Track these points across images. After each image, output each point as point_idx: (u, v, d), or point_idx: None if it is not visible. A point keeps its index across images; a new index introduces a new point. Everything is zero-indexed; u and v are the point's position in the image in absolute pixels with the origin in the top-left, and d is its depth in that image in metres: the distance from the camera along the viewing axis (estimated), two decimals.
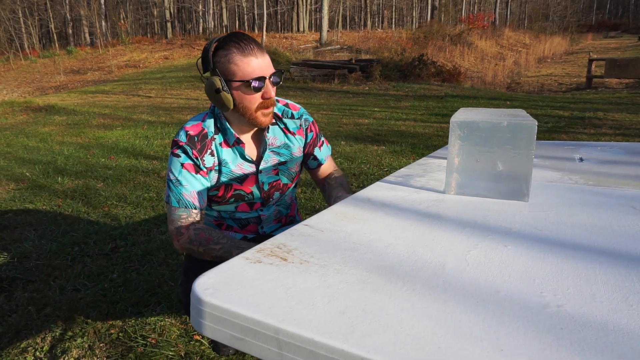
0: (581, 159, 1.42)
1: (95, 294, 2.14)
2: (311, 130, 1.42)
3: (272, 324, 0.48)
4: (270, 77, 1.19)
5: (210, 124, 1.28)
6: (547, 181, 1.15)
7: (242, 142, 1.28)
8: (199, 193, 1.24)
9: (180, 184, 1.23)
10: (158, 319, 1.92)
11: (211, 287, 0.56)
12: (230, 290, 0.55)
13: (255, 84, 1.16)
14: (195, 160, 1.24)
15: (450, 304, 0.54)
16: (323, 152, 1.47)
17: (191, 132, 1.25)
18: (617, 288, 0.58)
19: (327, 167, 1.50)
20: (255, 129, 1.31)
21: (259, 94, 1.18)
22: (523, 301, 0.55)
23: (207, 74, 1.20)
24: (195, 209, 1.23)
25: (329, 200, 1.40)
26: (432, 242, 0.74)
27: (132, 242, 2.74)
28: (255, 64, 1.16)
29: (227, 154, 1.28)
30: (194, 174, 1.24)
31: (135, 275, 2.32)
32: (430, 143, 5.25)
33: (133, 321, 1.92)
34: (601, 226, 0.82)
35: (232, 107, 1.20)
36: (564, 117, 6.77)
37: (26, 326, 1.91)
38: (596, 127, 5.94)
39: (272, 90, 1.20)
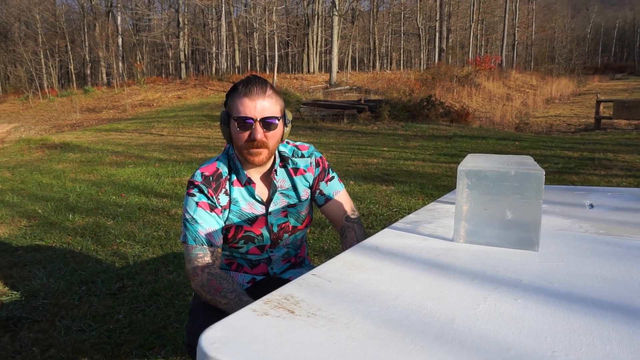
0: (591, 206, 1.41)
1: (100, 335, 2.12)
2: (319, 165, 1.43)
3: None
4: (260, 119, 1.22)
5: (223, 164, 1.34)
6: (558, 229, 1.14)
7: (254, 182, 1.32)
8: (215, 231, 1.28)
9: (196, 222, 1.26)
10: None
11: (217, 341, 0.55)
12: (236, 345, 0.55)
13: (240, 122, 1.22)
14: (211, 198, 1.28)
15: None
16: (331, 187, 1.44)
17: (206, 173, 1.30)
18: (632, 348, 0.57)
19: (340, 206, 1.44)
20: (265, 170, 1.35)
21: (246, 133, 1.23)
22: None
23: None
24: (211, 246, 1.26)
25: (344, 248, 1.39)
26: (440, 294, 0.73)
27: (139, 281, 2.73)
28: (247, 105, 1.21)
29: (238, 192, 1.33)
30: (209, 212, 1.27)
31: (141, 317, 2.30)
32: (439, 183, 5.25)
33: None
34: (614, 279, 0.80)
35: (229, 140, 1.29)
36: (574, 157, 6.76)
37: None
38: (606, 168, 5.91)
39: (259, 132, 1.21)
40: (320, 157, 1.45)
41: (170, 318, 2.27)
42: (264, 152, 1.26)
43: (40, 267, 3.03)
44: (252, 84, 1.23)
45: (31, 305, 2.46)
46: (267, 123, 1.23)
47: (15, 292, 2.64)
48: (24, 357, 1.97)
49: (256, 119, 1.22)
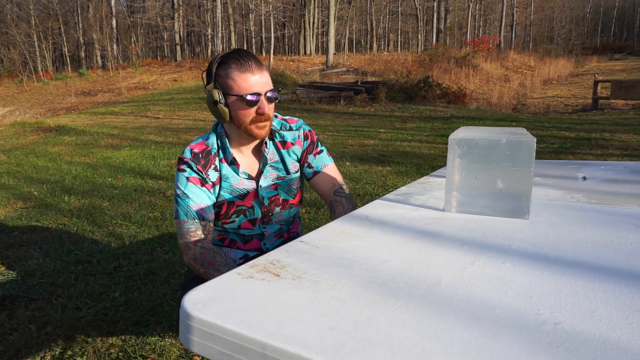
0: (584, 178, 1.40)
1: (97, 313, 2.13)
2: (307, 137, 1.42)
3: (260, 340, 0.47)
4: (265, 94, 1.23)
5: (213, 141, 1.33)
6: (549, 199, 1.14)
7: (237, 163, 1.32)
8: (206, 205, 1.28)
9: (187, 196, 1.26)
10: (158, 339, 1.90)
11: (200, 302, 0.55)
12: (219, 305, 0.54)
13: (249, 99, 1.20)
14: (200, 173, 1.28)
15: (444, 321, 0.53)
16: (319, 160, 1.42)
17: (195, 150, 1.30)
18: (617, 306, 0.57)
19: (328, 179, 1.42)
20: (255, 143, 1.34)
21: (253, 109, 1.23)
22: (519, 318, 0.54)
23: (211, 86, 1.26)
24: (203, 220, 1.26)
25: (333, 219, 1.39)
26: (428, 259, 0.73)
27: (135, 261, 2.74)
28: (252, 80, 1.20)
29: (227, 169, 1.33)
30: (199, 186, 1.28)
31: (137, 295, 2.30)
32: (435, 164, 5.25)
33: (133, 341, 1.90)
34: (602, 244, 0.80)
35: (228, 119, 1.26)
36: (571, 138, 6.75)
37: (26, 345, 1.90)
38: (603, 147, 5.91)
39: (266, 106, 1.23)
40: (309, 131, 1.44)
41: (166, 296, 2.28)
42: (269, 125, 1.28)
43: (37, 248, 3.02)
44: (246, 58, 1.21)
45: (28, 284, 2.47)
46: (270, 96, 1.24)
47: (12, 272, 2.65)
48: (21, 334, 1.98)
49: (262, 94, 1.22)
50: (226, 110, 1.23)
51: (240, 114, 1.23)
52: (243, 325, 0.50)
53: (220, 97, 1.23)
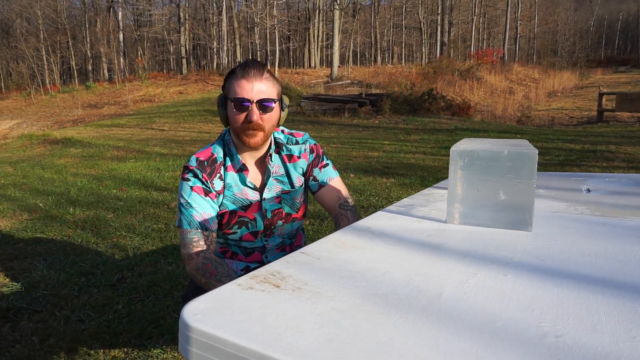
0: (588, 190, 1.40)
1: (100, 325, 2.12)
2: (313, 151, 1.43)
3: (258, 351, 0.47)
4: (256, 101, 1.23)
5: (219, 150, 1.34)
6: (553, 211, 1.13)
7: (247, 170, 1.32)
8: (210, 215, 1.28)
9: (191, 206, 1.26)
10: (160, 352, 1.89)
11: (200, 312, 0.55)
12: (218, 316, 0.54)
13: (236, 102, 1.22)
14: (205, 183, 1.29)
15: (444, 333, 0.53)
16: (325, 173, 1.43)
17: (201, 158, 1.31)
18: (620, 319, 0.56)
19: (334, 192, 1.43)
20: (259, 155, 1.35)
21: (242, 115, 1.23)
22: (520, 331, 0.53)
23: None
24: (206, 230, 1.26)
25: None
26: (430, 271, 0.73)
27: (138, 273, 2.74)
28: (244, 86, 1.22)
29: (231, 177, 1.33)
30: (203, 196, 1.28)
31: (140, 307, 2.30)
32: (439, 176, 5.24)
33: (135, 353, 1.89)
34: (606, 256, 0.79)
35: (225, 123, 1.30)
36: (576, 150, 6.73)
37: (29, 357, 1.89)
38: (608, 160, 5.88)
39: (255, 114, 1.22)
40: (315, 144, 1.45)
41: (169, 308, 2.28)
42: (260, 134, 1.27)
43: (41, 259, 3.03)
44: (249, 66, 1.24)
45: (31, 296, 2.47)
46: (263, 105, 1.24)
47: (16, 284, 2.65)
48: (24, 346, 1.98)
49: (253, 101, 1.22)
50: (224, 113, 1.28)
51: (232, 119, 1.26)
52: (242, 336, 0.50)
53: (221, 101, 1.28)
